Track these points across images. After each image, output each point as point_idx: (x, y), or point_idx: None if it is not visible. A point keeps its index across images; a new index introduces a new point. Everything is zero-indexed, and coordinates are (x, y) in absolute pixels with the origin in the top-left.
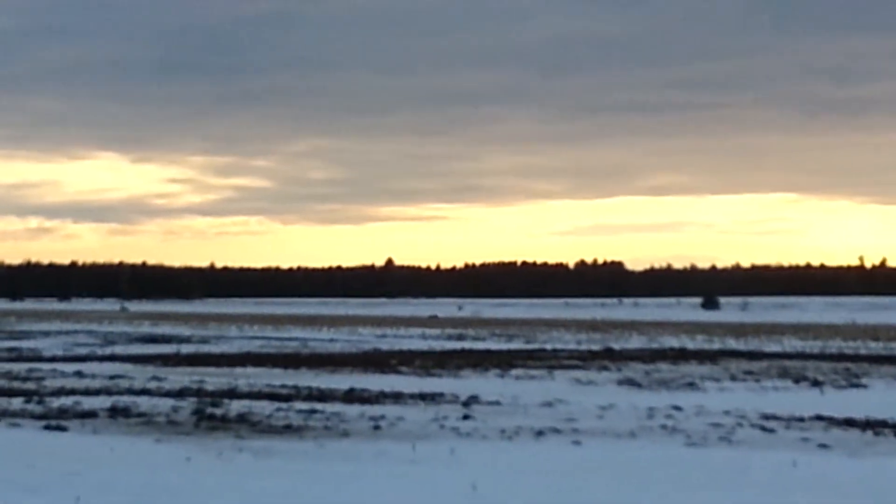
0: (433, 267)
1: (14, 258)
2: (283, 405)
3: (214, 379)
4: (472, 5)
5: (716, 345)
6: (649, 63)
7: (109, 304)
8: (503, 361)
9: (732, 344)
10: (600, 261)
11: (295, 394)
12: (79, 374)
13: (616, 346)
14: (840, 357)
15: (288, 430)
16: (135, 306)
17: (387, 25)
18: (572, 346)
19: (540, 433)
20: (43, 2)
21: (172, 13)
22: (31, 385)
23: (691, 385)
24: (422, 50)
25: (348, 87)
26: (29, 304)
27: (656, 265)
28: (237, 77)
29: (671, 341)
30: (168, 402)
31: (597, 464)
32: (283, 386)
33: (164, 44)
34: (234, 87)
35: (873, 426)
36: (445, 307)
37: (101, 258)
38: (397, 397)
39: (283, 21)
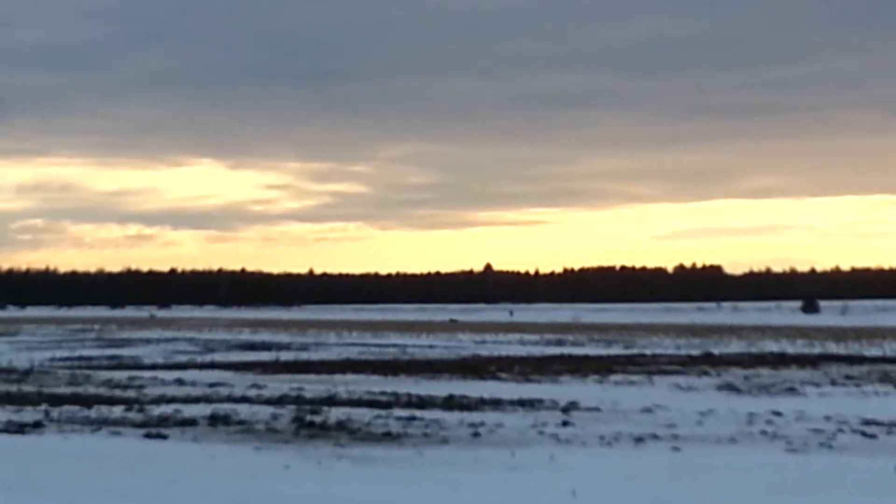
0: (532, 272)
1: (114, 266)
2: (383, 412)
3: (314, 386)
4: (570, 8)
5: (816, 349)
6: (746, 65)
7: (208, 312)
8: (602, 367)
9: (833, 348)
10: (699, 264)
11: (394, 401)
12: (179, 381)
13: (715, 350)
14: None
15: (387, 437)
16: (233, 313)
17: (483, 29)
18: (671, 351)
19: (639, 439)
20: (140, 8)
21: (270, 18)
22: (131, 393)
23: (791, 390)
24: (519, 53)
25: (446, 91)
26: (129, 312)
27: (755, 268)
28: (335, 82)
29: (771, 345)
30: (268, 410)
31: (697, 470)
32: (383, 393)
33: (262, 49)
34: (331, 93)
35: None
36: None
37: (201, 265)
38: (496, 404)
39: (379, 26)
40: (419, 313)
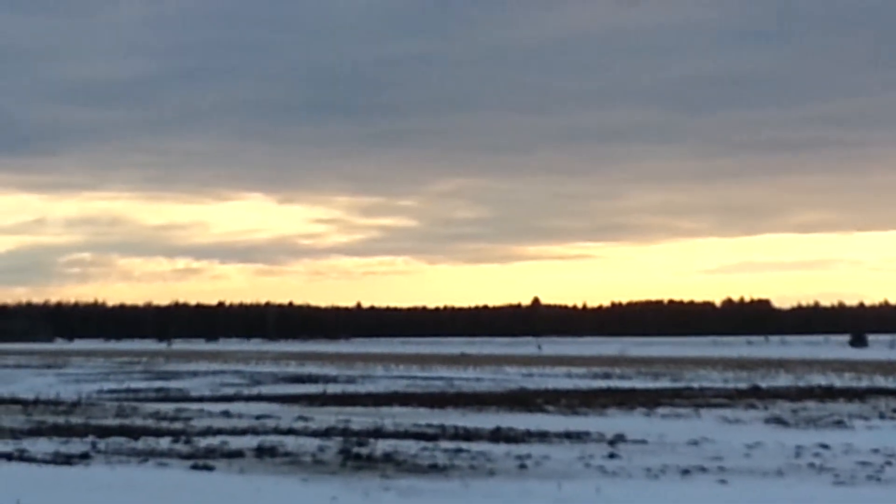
0: (580, 306)
1: (162, 299)
2: (429, 444)
3: (360, 418)
4: (615, 44)
5: (864, 382)
6: (794, 100)
7: (255, 345)
8: (649, 400)
9: (881, 381)
10: (747, 298)
11: (441, 433)
12: (226, 413)
13: (763, 384)
14: None
15: (434, 469)
16: (281, 346)
17: (530, 64)
18: (719, 385)
19: (686, 472)
20: (190, 45)
21: (318, 54)
22: (178, 425)
23: (839, 423)
24: (565, 88)
25: (493, 126)
26: (177, 345)
27: (803, 303)
28: (383, 117)
29: (819, 379)
30: (314, 442)
31: (744, 503)
32: (429, 425)
33: (309, 84)
34: (379, 127)
35: None
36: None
37: (248, 299)
38: (543, 436)
39: (428, 61)
40: (466, 346)
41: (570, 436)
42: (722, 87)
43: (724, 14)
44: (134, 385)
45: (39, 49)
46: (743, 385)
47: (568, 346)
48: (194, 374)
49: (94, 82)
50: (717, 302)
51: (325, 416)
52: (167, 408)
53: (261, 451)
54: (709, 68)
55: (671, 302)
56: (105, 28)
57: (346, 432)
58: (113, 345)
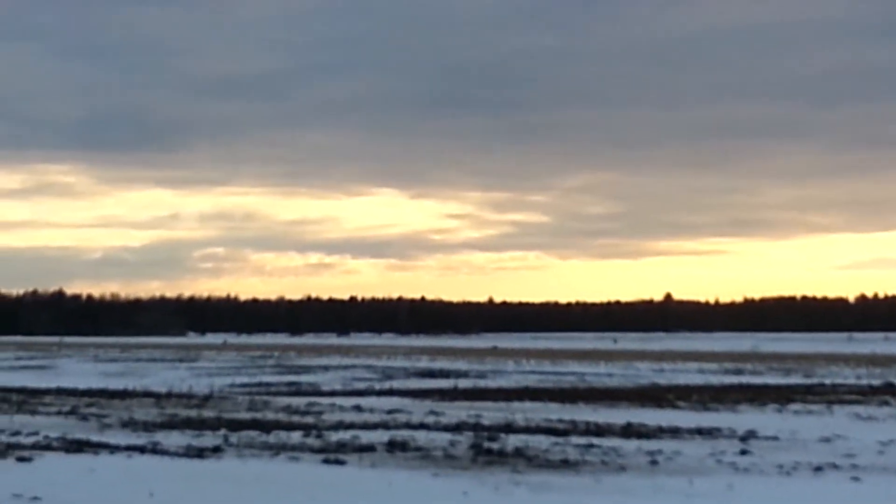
0: (712, 301)
1: (294, 293)
2: (560, 440)
3: (491, 413)
4: (745, 39)
5: None
6: None
7: (387, 339)
8: (781, 396)
9: None
10: (881, 294)
11: (572, 428)
12: (357, 408)
13: None
14: None
15: (565, 464)
16: (412, 341)
17: (661, 59)
18: (852, 381)
19: (818, 469)
20: (322, 40)
21: (448, 48)
22: (310, 419)
23: None
24: (696, 83)
25: (624, 121)
26: (309, 339)
27: None
28: (514, 112)
29: None
30: (445, 437)
31: (877, 500)
32: (560, 420)
33: (441, 79)
34: (511, 122)
35: None
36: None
37: (380, 293)
38: (674, 432)
39: (559, 56)
40: (598, 342)
41: (701, 432)
42: (857, 82)
43: (853, 8)
44: (266, 379)
45: (174, 43)
46: (876, 382)
47: (700, 341)
48: (326, 368)
49: (228, 77)
50: (851, 298)
51: (456, 411)
52: (298, 402)
53: (392, 446)
54: (840, 63)
55: (804, 298)
56: (240, 23)
57: (476, 427)
58: (245, 339)
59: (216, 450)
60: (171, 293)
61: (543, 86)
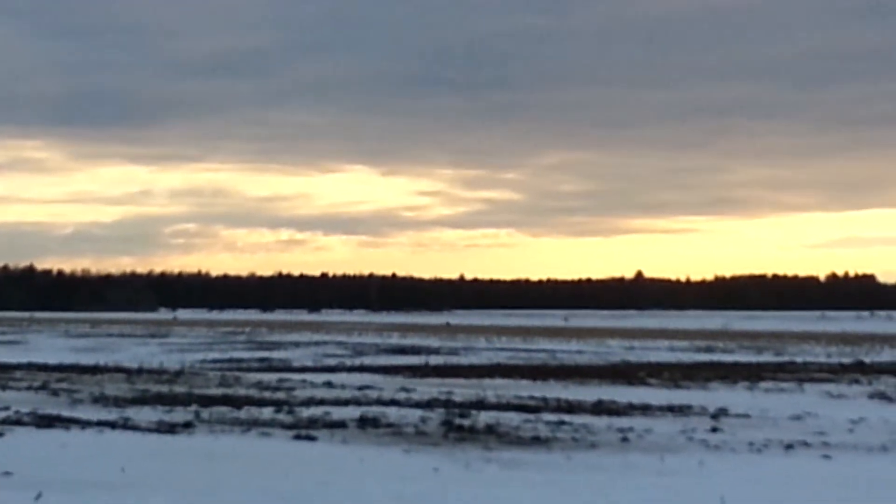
0: (683, 279)
1: (266, 270)
2: (531, 417)
3: (463, 390)
4: (724, 20)
5: None
6: None
7: (358, 316)
8: (752, 374)
9: None
10: (852, 273)
11: (543, 405)
12: (328, 384)
13: (867, 359)
14: None
15: (536, 441)
16: (383, 318)
17: (638, 40)
18: (822, 359)
19: (789, 446)
20: (299, 19)
21: (425, 29)
22: (281, 395)
23: None
24: (671, 64)
25: (598, 100)
26: (279, 315)
27: None
28: (488, 91)
29: None
30: (416, 413)
31: (847, 478)
32: (532, 397)
33: (416, 58)
34: (484, 101)
35: None
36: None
37: (351, 270)
38: (645, 409)
39: (536, 36)
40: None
41: (672, 409)
42: (830, 63)
43: None
44: (237, 355)
45: (152, 22)
46: (847, 360)
47: (671, 319)
48: (297, 344)
49: (203, 56)
50: (822, 276)
51: (428, 388)
52: (270, 378)
53: (363, 422)
54: (814, 45)
55: (775, 276)
56: (217, 2)
57: (448, 404)
58: (216, 315)
59: (187, 425)
60: (142, 269)
61: (519, 65)
